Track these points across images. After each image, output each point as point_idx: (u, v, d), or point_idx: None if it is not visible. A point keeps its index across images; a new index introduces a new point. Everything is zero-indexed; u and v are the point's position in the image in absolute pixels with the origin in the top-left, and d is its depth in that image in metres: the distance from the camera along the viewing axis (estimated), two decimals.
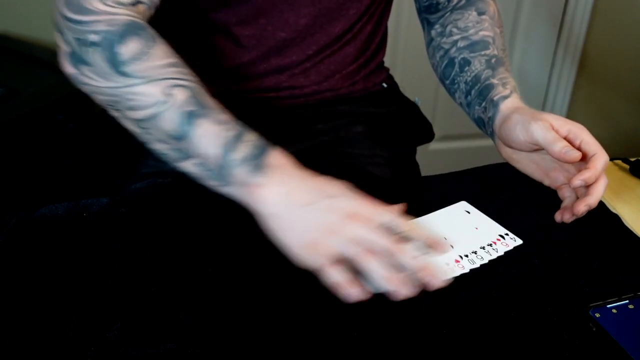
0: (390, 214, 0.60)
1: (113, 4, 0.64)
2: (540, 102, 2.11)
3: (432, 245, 0.61)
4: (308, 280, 0.64)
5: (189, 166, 0.64)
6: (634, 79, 2.09)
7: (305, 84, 0.86)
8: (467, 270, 0.66)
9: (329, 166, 0.68)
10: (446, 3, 0.89)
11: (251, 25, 0.80)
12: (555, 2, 1.94)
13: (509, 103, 0.78)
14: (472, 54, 0.83)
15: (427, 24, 0.92)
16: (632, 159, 0.88)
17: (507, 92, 0.79)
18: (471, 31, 0.86)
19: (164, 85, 0.63)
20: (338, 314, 0.61)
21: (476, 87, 0.81)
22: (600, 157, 0.69)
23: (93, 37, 0.63)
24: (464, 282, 0.65)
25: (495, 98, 0.78)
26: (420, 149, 1.01)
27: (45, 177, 1.36)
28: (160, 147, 0.65)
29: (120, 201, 0.76)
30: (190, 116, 0.62)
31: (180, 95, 0.62)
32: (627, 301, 0.63)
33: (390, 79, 0.98)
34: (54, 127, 1.38)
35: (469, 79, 0.82)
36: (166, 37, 0.67)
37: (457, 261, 0.67)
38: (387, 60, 0.97)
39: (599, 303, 0.62)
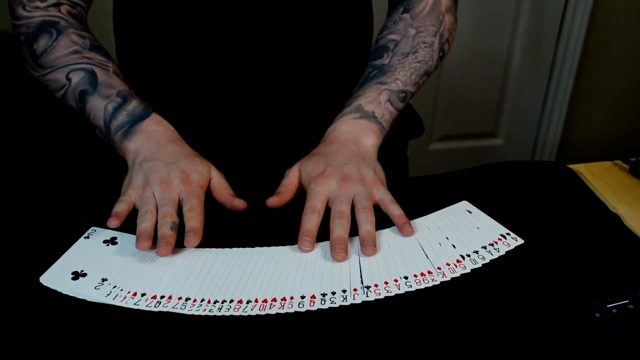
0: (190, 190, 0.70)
1: (30, 9, 0.78)
2: (540, 102, 2.11)
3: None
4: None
5: (98, 135, 0.77)
6: (634, 79, 2.09)
7: (280, 80, 0.85)
8: (468, 270, 0.66)
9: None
10: None
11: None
12: (555, 2, 1.94)
13: (328, 130, 0.80)
14: (368, 63, 0.84)
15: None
16: (632, 159, 0.88)
17: (338, 116, 0.80)
18: (383, 33, 0.85)
19: (65, 71, 0.76)
20: (338, 314, 0.61)
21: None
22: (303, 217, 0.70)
23: (20, 37, 0.79)
24: (465, 282, 0.65)
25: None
26: (420, 149, 1.01)
27: (45, 177, 1.35)
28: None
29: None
30: (82, 94, 0.75)
31: (76, 78, 0.76)
32: (627, 301, 0.63)
33: None
34: (54, 127, 1.38)
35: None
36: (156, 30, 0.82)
37: (458, 261, 0.67)
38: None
39: (599, 303, 0.62)
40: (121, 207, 0.69)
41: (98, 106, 0.75)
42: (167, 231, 0.67)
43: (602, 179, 0.85)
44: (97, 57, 0.77)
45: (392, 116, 0.80)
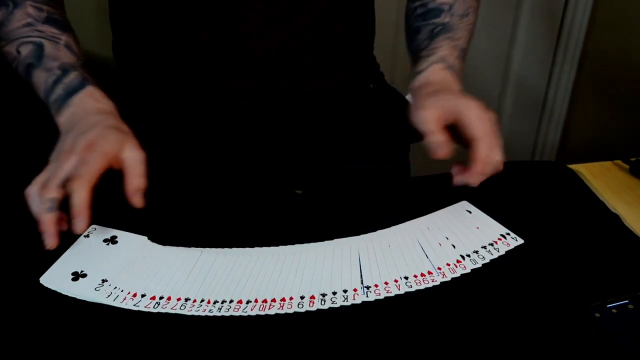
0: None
1: None
2: (540, 102, 2.11)
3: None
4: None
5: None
6: (634, 79, 2.09)
7: (279, 88, 0.85)
8: (468, 270, 0.66)
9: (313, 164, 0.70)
10: None
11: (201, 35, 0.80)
12: (555, 2, 1.94)
13: (420, 79, 0.77)
14: (422, 22, 0.83)
15: None
16: (632, 159, 0.88)
17: (424, 65, 0.78)
18: None
19: (17, 43, 0.76)
20: (338, 314, 0.61)
21: (413, 58, 0.83)
22: (481, 147, 0.67)
23: None
24: (465, 282, 0.65)
25: (411, 73, 0.79)
26: (420, 149, 1.01)
27: None
28: None
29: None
30: (28, 67, 0.75)
31: (24, 51, 0.75)
32: (627, 301, 0.63)
33: (379, 78, 0.98)
34: (54, 127, 1.38)
35: (413, 49, 0.84)
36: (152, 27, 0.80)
37: (458, 261, 0.67)
38: (387, 59, 0.97)
39: (599, 303, 0.62)
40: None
41: (40, 79, 0.74)
42: (44, 216, 0.63)
43: (602, 179, 0.85)
44: (50, 29, 0.76)
45: (460, 72, 0.81)
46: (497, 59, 2.00)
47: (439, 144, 0.67)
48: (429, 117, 0.69)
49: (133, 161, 0.67)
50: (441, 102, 0.71)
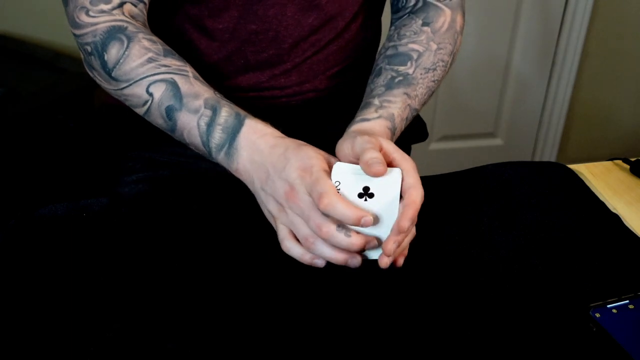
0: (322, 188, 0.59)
1: (95, 14, 0.70)
2: (540, 103, 2.11)
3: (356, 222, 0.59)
4: (307, 280, 0.64)
5: (195, 150, 0.69)
6: (634, 79, 2.09)
7: (287, 85, 0.85)
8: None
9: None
10: (404, 3, 0.85)
11: (222, 18, 0.79)
12: (555, 2, 1.94)
13: (362, 126, 0.71)
14: (387, 66, 0.79)
15: (391, 24, 0.89)
16: (632, 159, 0.88)
17: (373, 115, 0.72)
18: (403, 41, 0.81)
19: (144, 84, 0.68)
20: (337, 314, 0.61)
21: (363, 101, 0.77)
22: (410, 206, 0.60)
23: (87, 48, 0.70)
24: (465, 282, 0.65)
25: (357, 118, 0.73)
26: (420, 149, 1.01)
27: (45, 177, 1.36)
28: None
29: (119, 201, 0.76)
30: (169, 111, 0.67)
31: (158, 92, 0.67)
32: (627, 301, 0.63)
33: None
34: (54, 127, 1.38)
35: (368, 90, 0.78)
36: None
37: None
38: None
39: (599, 303, 0.62)
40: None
41: (190, 124, 0.67)
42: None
43: (602, 179, 0.85)
44: (174, 62, 0.69)
45: (397, 136, 0.77)
46: (497, 59, 2.00)
47: (375, 161, 0.60)
48: (375, 143, 0.64)
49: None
50: (386, 142, 0.65)
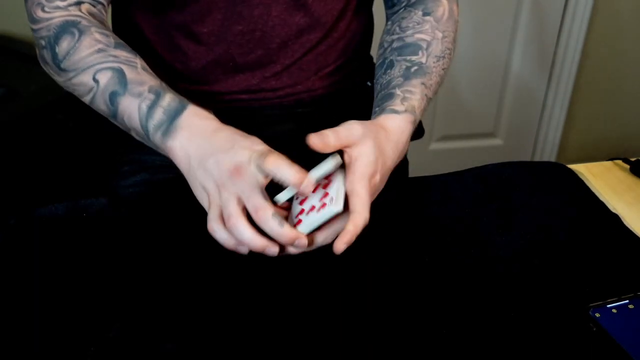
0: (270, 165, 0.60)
1: (50, 10, 0.72)
2: (540, 102, 2.11)
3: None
4: (307, 280, 0.64)
5: (135, 137, 0.71)
6: (634, 79, 2.09)
7: (278, 86, 0.85)
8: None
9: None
10: None
11: (207, 22, 0.80)
12: (555, 2, 1.94)
13: (391, 120, 0.72)
14: (398, 57, 0.78)
15: (385, 19, 0.89)
16: (632, 159, 0.88)
17: (400, 108, 0.73)
18: (408, 32, 0.80)
19: (91, 72, 0.70)
20: (337, 314, 0.61)
21: (382, 92, 0.76)
22: (351, 223, 0.60)
23: (42, 42, 0.73)
24: (465, 282, 0.65)
25: (386, 108, 0.73)
26: (420, 149, 1.00)
27: (45, 177, 1.35)
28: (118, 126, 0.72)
29: (119, 202, 0.76)
30: (112, 96, 0.69)
31: (103, 78, 0.69)
32: (627, 301, 0.63)
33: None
34: (54, 127, 1.38)
35: (384, 82, 0.78)
36: (135, 42, 0.75)
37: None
38: None
39: (599, 303, 0.62)
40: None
41: (131, 106, 0.68)
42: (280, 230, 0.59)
43: (602, 179, 0.85)
44: (123, 54, 0.71)
45: (415, 125, 0.76)
46: (497, 59, 2.00)
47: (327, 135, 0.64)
48: (356, 128, 0.65)
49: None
50: (362, 153, 0.65)
